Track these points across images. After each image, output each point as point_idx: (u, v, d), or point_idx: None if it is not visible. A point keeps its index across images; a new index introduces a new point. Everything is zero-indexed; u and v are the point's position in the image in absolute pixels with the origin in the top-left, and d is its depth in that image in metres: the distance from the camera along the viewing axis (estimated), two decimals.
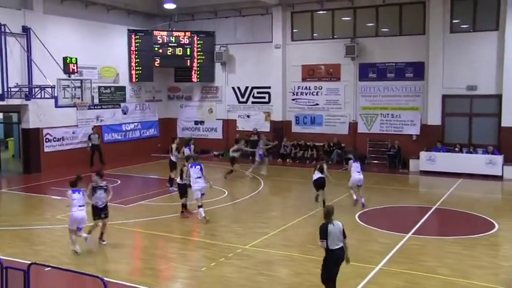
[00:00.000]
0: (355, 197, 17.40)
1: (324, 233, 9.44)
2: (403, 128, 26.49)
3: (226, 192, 19.98)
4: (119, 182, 22.49)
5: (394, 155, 26.03)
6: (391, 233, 14.50)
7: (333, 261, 9.50)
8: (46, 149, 25.38)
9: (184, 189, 16.13)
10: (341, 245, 9.57)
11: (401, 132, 26.48)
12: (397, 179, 23.51)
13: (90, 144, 26.59)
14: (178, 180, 16.41)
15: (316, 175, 17.17)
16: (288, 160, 28.26)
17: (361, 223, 15.60)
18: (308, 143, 28.10)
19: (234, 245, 13.48)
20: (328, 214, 9.65)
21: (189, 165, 15.74)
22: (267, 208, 17.80)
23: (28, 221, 16.14)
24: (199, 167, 15.71)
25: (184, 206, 16.38)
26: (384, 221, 16.30)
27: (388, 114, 26.87)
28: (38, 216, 16.87)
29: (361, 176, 17.52)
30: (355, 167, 17.48)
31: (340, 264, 9.68)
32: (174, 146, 20.68)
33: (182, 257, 12.84)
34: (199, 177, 15.59)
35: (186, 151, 20.38)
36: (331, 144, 27.65)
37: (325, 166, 17.56)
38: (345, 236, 9.65)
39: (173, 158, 20.56)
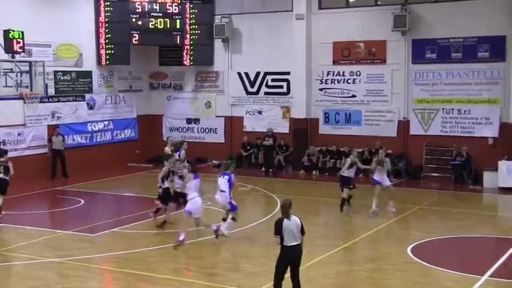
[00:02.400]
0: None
1: (277, 229, 11.41)
2: (475, 128, 26.32)
3: (231, 216, 19.69)
4: (82, 202, 22.32)
5: (461, 166, 25.82)
6: (460, 275, 14.20)
7: (288, 258, 11.53)
8: None
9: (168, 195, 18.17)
10: (298, 241, 11.49)
11: (472, 135, 26.33)
12: (465, 199, 23.30)
13: (50, 149, 26.55)
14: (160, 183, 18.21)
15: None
16: (314, 172, 28.04)
17: (416, 259, 15.35)
18: (341, 149, 27.87)
19: None
20: (283, 209, 11.56)
21: (219, 174, 17.26)
22: None
23: None
24: (227, 177, 16.98)
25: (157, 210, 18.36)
26: (448, 256, 16.02)
27: (452, 109, 26.65)
28: None
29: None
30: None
31: (299, 263, 11.64)
32: (167, 149, 21.30)
33: None
34: (224, 191, 16.87)
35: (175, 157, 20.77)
36: (373, 151, 27.34)
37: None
38: (303, 233, 11.59)
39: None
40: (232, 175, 17.15)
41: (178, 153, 21.25)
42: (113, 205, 22.82)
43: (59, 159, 26.89)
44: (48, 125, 27.44)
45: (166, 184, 18.31)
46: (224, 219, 17.15)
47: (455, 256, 16.19)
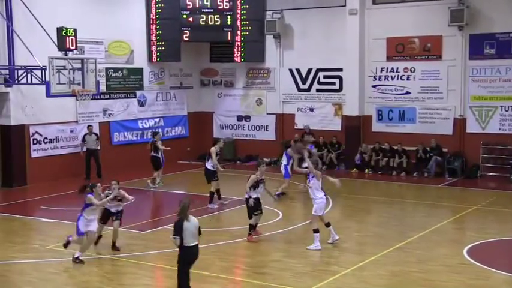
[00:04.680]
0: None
1: (177, 230, 11.72)
2: None
3: (281, 215, 19.82)
4: (133, 198, 22.46)
5: None
6: None
7: (189, 257, 11.91)
8: (34, 154, 25.60)
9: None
10: (196, 242, 11.90)
11: None
12: None
13: (84, 149, 26.61)
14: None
15: None
16: (366, 171, 27.96)
17: (473, 261, 15.17)
18: (395, 147, 27.69)
19: None
20: (183, 210, 11.79)
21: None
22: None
23: (7, 253, 16.18)
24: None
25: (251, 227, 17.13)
26: (506, 259, 15.86)
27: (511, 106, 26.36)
28: (21, 245, 16.93)
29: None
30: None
31: (192, 265, 12.05)
32: (214, 149, 21.25)
33: None
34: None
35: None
36: (428, 149, 27.16)
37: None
38: (200, 233, 11.98)
39: (209, 166, 21.18)
40: None
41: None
42: (164, 202, 23.00)
43: (93, 159, 26.51)
44: (99, 122, 27.82)
45: (254, 194, 16.86)
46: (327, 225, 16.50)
47: None
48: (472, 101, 26.94)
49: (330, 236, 16.55)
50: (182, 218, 11.76)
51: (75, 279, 14.13)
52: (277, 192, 21.47)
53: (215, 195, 21.21)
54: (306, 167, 17.56)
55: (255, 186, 16.92)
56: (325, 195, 16.50)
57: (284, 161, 22.90)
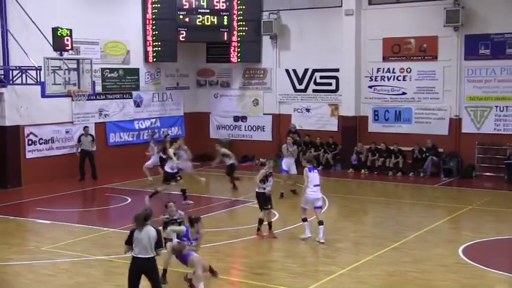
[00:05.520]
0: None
1: (127, 238, 11.21)
2: None
3: (277, 215, 19.79)
4: (129, 200, 22.57)
5: None
6: None
7: (134, 269, 11.17)
8: (29, 155, 25.53)
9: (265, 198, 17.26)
10: (150, 255, 11.10)
11: None
12: None
13: (79, 150, 26.52)
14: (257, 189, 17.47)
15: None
16: (362, 171, 27.98)
17: (468, 260, 15.20)
18: (391, 147, 27.73)
19: None
20: (136, 220, 11.17)
21: (308, 168, 17.09)
22: (333, 238, 17.50)
23: (2, 254, 16.13)
24: (317, 171, 17.25)
25: (260, 221, 17.27)
26: (501, 258, 15.89)
27: (507, 106, 26.32)
28: (17, 247, 16.88)
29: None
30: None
31: (154, 277, 11.23)
32: (171, 151, 22.04)
33: None
34: (319, 185, 16.96)
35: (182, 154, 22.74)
36: (424, 150, 27.20)
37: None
38: (159, 246, 11.28)
39: (167, 169, 21.98)
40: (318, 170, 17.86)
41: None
42: (160, 203, 22.98)
43: (88, 160, 26.48)
44: (95, 123, 27.79)
45: (262, 189, 17.30)
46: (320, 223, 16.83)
47: (509, 258, 16.04)
48: (468, 101, 26.97)
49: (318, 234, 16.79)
50: (135, 228, 11.19)
51: (70, 280, 14.10)
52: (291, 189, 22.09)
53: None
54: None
55: (264, 180, 17.24)
56: (317, 189, 16.85)
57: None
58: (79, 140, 26.56)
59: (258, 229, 17.33)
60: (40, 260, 15.47)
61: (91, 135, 26.90)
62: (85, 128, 26.78)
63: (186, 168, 23.44)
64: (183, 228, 13.40)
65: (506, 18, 26.04)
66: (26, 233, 18.68)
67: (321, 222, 16.76)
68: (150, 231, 11.10)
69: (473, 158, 26.78)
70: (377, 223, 19.77)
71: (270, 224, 17.42)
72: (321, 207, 17.12)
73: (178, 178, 21.84)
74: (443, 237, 17.46)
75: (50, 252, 16.02)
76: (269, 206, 17.39)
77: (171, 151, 21.96)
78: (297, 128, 29.74)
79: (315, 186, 16.85)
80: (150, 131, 28.66)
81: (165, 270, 13.70)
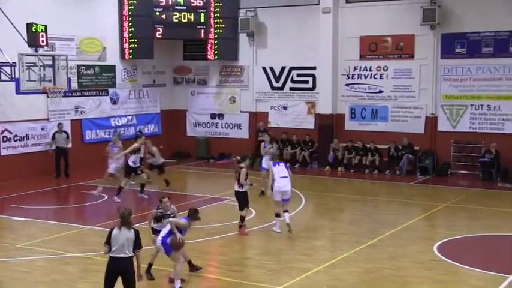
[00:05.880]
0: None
1: (106, 238, 11.02)
2: (505, 124, 26.16)
3: (254, 212, 19.83)
4: (106, 197, 22.48)
5: (490, 163, 25.71)
6: (487, 273, 14.19)
7: (110, 270, 10.95)
8: (3, 152, 25.38)
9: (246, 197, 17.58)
10: (128, 255, 10.89)
11: (502, 131, 26.19)
12: (494, 197, 23.20)
13: (53, 147, 26.37)
14: (236, 187, 17.59)
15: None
16: (339, 169, 28.10)
17: (442, 257, 15.35)
18: (367, 145, 27.87)
19: (263, 285, 13.45)
20: (122, 218, 11.04)
21: (272, 163, 17.91)
22: (310, 235, 17.65)
23: None
24: (283, 164, 17.88)
25: (242, 219, 17.50)
26: (475, 255, 16.06)
27: (482, 105, 26.51)
28: None
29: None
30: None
31: (130, 279, 10.92)
32: (136, 145, 21.92)
33: None
34: (286, 177, 17.39)
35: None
36: (400, 148, 27.37)
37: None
38: (137, 247, 10.98)
39: (130, 163, 22.04)
40: (286, 163, 18.23)
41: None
42: (137, 201, 22.99)
43: (62, 157, 26.35)
44: (71, 120, 27.68)
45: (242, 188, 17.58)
46: (286, 211, 17.40)
47: (483, 255, 16.16)
48: (444, 99, 27.16)
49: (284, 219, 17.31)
50: (115, 227, 11.08)
51: (46, 277, 14.05)
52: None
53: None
54: None
55: (246, 178, 17.48)
56: (285, 181, 17.29)
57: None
58: (53, 137, 26.38)
59: (241, 226, 17.46)
60: (15, 257, 15.41)
61: (65, 132, 26.73)
62: (59, 125, 26.60)
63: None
64: (185, 221, 13.35)
65: (482, 17, 26.22)
66: (0, 230, 18.48)
67: (286, 211, 17.33)
68: (130, 232, 10.97)
69: (449, 156, 26.98)
70: (353, 221, 19.85)
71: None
72: (288, 200, 17.47)
73: (140, 172, 22.06)
74: (419, 235, 17.60)
75: (25, 249, 15.94)
76: (248, 205, 17.66)
77: (155, 148, 21.99)
78: (275, 125, 29.87)
79: (281, 178, 17.26)
80: (116, 131, 28.06)
81: (150, 265, 13.82)
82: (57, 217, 20.11)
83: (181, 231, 13.26)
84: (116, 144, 23.49)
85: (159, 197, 15.77)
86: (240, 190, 17.50)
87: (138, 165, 21.96)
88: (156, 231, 13.97)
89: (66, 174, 26.23)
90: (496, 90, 26.21)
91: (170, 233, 13.17)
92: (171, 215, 14.17)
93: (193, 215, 13.43)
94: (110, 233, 11.01)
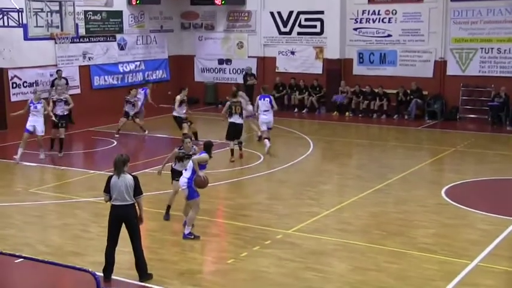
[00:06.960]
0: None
1: (106, 186, 10.98)
2: None
3: (262, 158, 20.03)
4: (115, 143, 22.67)
5: (499, 107, 25.70)
6: (493, 216, 14.31)
7: (113, 218, 10.98)
8: (13, 98, 25.54)
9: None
10: (129, 202, 10.88)
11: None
12: (503, 141, 23.30)
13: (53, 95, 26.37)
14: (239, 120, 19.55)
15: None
16: (347, 113, 28.19)
17: (450, 201, 15.47)
18: (376, 90, 27.89)
19: (272, 229, 13.53)
20: (114, 165, 10.93)
21: (259, 97, 20.56)
22: (318, 180, 17.79)
23: None
24: (268, 99, 20.41)
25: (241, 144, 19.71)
26: (482, 199, 16.16)
27: (492, 48, 26.45)
28: (4, 189, 17.03)
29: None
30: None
31: (133, 226, 10.90)
32: (178, 98, 22.10)
33: (202, 245, 12.91)
34: (267, 111, 20.30)
35: (141, 95, 24.58)
36: (408, 92, 27.38)
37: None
38: (138, 194, 10.95)
39: (175, 113, 22.24)
40: (271, 97, 20.90)
41: (144, 90, 25.04)
42: (146, 146, 23.16)
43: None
44: (79, 66, 27.73)
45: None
46: (267, 138, 20.05)
47: (490, 198, 16.27)
48: (453, 43, 27.07)
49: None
50: (113, 174, 10.96)
51: (58, 221, 14.34)
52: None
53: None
54: None
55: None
56: (267, 114, 20.31)
57: None
58: (52, 85, 26.08)
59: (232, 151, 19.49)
60: (28, 202, 15.63)
61: (65, 78, 26.55)
62: (58, 71, 26.38)
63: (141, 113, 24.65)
64: (205, 155, 13.08)
65: None
66: (13, 176, 18.76)
67: (268, 139, 19.95)
68: (127, 178, 10.90)
69: (458, 100, 26.98)
70: (361, 165, 19.97)
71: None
72: (270, 128, 20.57)
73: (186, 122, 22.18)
74: (427, 179, 17.73)
75: (38, 194, 16.19)
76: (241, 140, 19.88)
77: (178, 97, 21.91)
78: (283, 70, 29.93)
79: (264, 111, 20.33)
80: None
81: (169, 207, 14.10)
82: (68, 163, 20.25)
83: (201, 168, 13.08)
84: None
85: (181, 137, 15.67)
86: (241, 122, 19.75)
87: (184, 116, 21.94)
88: (175, 173, 13.98)
89: (71, 120, 26.00)
90: (506, 33, 26.11)
91: (193, 174, 13.02)
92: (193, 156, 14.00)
93: (209, 148, 13.18)
94: (109, 180, 10.94)
